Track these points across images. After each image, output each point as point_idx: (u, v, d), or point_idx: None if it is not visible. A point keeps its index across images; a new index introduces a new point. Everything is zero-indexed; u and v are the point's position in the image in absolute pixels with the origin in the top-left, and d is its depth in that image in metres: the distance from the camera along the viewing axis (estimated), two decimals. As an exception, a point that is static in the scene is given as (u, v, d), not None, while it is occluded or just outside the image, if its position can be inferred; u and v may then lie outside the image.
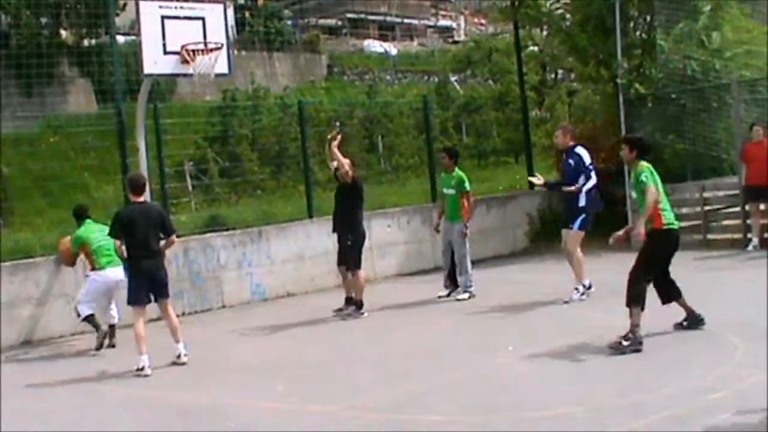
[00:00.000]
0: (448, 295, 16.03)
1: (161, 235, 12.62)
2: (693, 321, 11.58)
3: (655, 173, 11.17)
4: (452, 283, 16.10)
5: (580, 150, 14.75)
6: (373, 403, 9.46)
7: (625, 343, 10.69)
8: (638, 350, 10.60)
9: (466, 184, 15.93)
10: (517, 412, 8.70)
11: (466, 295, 15.73)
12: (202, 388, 11.05)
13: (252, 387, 10.89)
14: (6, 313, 15.08)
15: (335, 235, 15.83)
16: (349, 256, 15.42)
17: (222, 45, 15.97)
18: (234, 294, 17.26)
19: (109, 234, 12.68)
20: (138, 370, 11.95)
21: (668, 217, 11.21)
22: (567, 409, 8.56)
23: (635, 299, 10.92)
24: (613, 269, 13.10)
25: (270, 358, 12.40)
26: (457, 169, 16.00)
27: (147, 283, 12.40)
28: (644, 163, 11.27)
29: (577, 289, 14.58)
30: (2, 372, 12.98)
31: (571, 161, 14.71)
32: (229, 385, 11.09)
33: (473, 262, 16.29)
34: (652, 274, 11.25)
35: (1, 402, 10.81)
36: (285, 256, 18.03)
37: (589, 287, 14.69)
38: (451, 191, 15.90)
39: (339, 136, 15.33)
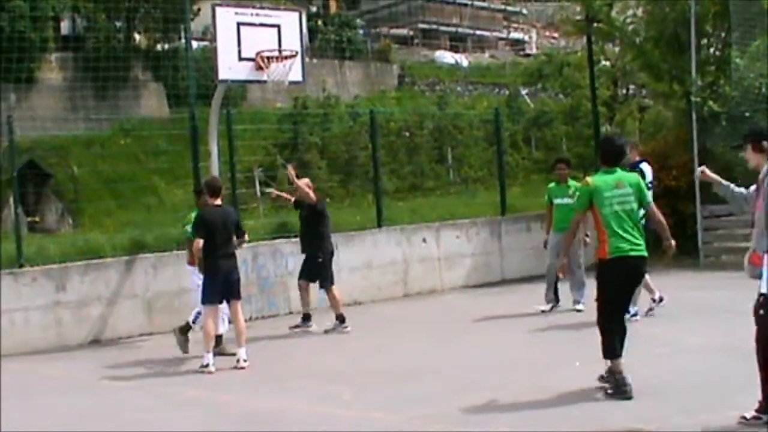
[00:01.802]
0: (551, 309, 15.75)
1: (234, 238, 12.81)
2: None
3: (590, 193, 9.76)
4: (555, 297, 15.93)
5: (645, 166, 14.58)
6: (437, 414, 9.43)
7: (608, 389, 9.75)
8: (625, 396, 9.50)
9: None
10: (581, 426, 8.66)
11: (581, 306, 15.21)
12: (268, 393, 11.12)
13: (317, 393, 10.91)
14: (75, 312, 15.30)
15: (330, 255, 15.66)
16: (322, 275, 15.29)
17: (296, 53, 16.05)
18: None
19: (192, 235, 12.81)
20: (202, 366, 12.13)
21: (614, 245, 9.64)
22: (631, 426, 8.51)
23: (605, 353, 9.81)
24: (683, 286, 12.99)
25: (336, 365, 12.45)
26: (570, 179, 15.72)
27: (221, 284, 12.54)
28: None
29: (652, 301, 14.47)
30: (72, 370, 13.16)
31: None
32: (295, 391, 11.13)
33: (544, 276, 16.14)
34: (609, 316, 9.81)
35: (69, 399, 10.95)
36: (353, 265, 18.06)
37: (660, 300, 14.56)
38: (567, 200, 15.16)
39: (294, 170, 15.52)
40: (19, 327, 14.79)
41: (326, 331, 15.10)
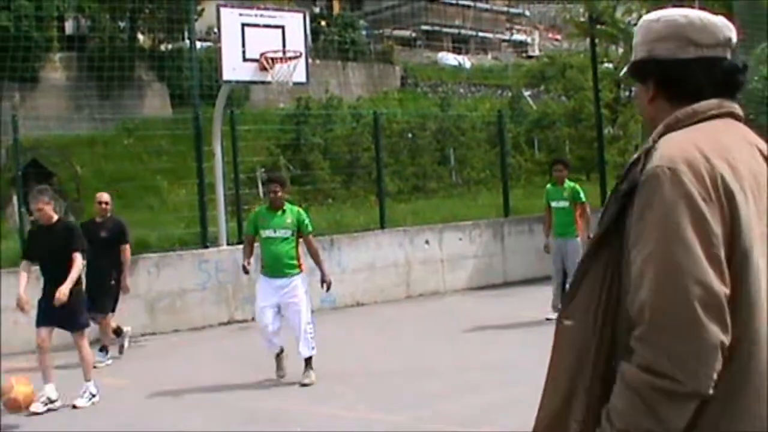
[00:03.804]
0: None
1: None
2: None
3: None
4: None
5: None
6: (439, 415, 9.47)
7: None
8: None
9: (581, 195, 15.31)
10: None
11: None
12: (269, 393, 11.17)
13: (319, 394, 10.96)
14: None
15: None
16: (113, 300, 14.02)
17: (301, 53, 16.10)
18: (304, 301, 17.32)
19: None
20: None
21: None
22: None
23: None
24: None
25: (338, 366, 12.43)
26: (567, 180, 15.50)
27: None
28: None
29: None
30: (75, 369, 13.17)
31: None
32: (296, 391, 11.18)
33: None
34: None
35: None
36: (356, 266, 18.09)
37: None
38: (563, 204, 15.20)
39: None
40: (23, 326, 14.75)
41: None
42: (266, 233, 11.70)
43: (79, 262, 10.94)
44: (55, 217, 11.23)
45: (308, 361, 11.70)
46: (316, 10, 51.45)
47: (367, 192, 26.21)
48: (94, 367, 12.35)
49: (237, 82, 16.83)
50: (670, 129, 2.73)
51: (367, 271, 18.25)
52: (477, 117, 33.98)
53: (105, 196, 14.11)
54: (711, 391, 2.41)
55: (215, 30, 33.68)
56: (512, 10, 68.45)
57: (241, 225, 17.71)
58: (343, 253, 17.91)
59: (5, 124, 34.84)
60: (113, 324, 13.90)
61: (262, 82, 16.79)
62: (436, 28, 61.12)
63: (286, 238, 11.68)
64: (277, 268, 11.61)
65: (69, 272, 10.74)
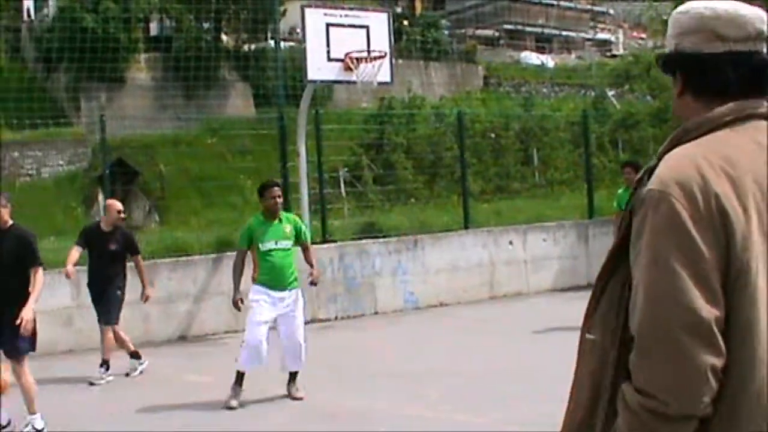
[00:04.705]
0: None
1: None
2: None
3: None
4: None
5: None
6: (523, 418, 9.40)
7: None
8: None
9: None
10: None
11: None
12: (353, 393, 11.15)
13: (403, 393, 10.93)
14: (163, 308, 15.46)
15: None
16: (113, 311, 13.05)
17: (385, 53, 16.09)
18: (387, 301, 17.36)
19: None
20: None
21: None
22: None
23: None
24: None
25: (422, 366, 12.41)
26: None
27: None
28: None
29: None
30: (158, 366, 13.29)
31: None
32: (379, 391, 11.15)
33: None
34: None
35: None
36: (439, 266, 18.05)
37: None
38: None
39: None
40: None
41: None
42: (267, 245, 10.89)
43: (41, 278, 9.58)
44: (10, 222, 9.74)
45: (296, 375, 11.25)
46: (398, 10, 51.41)
47: (449, 192, 26.12)
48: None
49: (322, 81, 16.86)
50: (677, 142, 2.67)
51: (450, 271, 18.19)
52: (560, 117, 33.73)
53: (119, 205, 13.20)
54: (706, 412, 2.42)
55: (298, 30, 33.78)
56: (596, 8, 67.97)
57: (326, 224, 17.77)
58: (427, 253, 17.87)
59: (92, 124, 35.44)
60: (131, 346, 13.06)
61: (347, 82, 16.82)
62: (519, 27, 60.85)
63: (287, 250, 11.03)
64: (279, 281, 10.91)
65: (21, 288, 9.42)
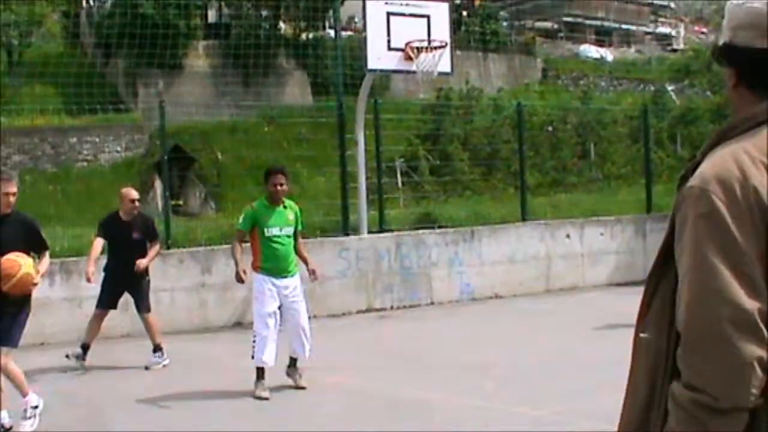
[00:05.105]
0: None
1: None
2: None
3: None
4: None
5: None
6: (581, 410, 9.32)
7: None
8: None
9: None
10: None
11: None
12: (410, 383, 11.12)
13: (459, 384, 10.90)
14: (220, 294, 15.54)
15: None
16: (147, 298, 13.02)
17: (446, 43, 16.03)
18: (443, 291, 17.33)
19: None
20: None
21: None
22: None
23: None
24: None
25: (478, 358, 12.36)
26: None
27: None
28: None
29: None
30: (215, 351, 13.36)
31: None
32: (438, 381, 11.12)
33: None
34: None
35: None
36: (496, 258, 18.00)
37: None
38: None
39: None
40: (165, 307, 15.05)
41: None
42: (271, 231, 10.82)
43: (47, 262, 9.58)
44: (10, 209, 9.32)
45: (296, 362, 11.15)
46: (457, 0, 51.30)
47: (505, 185, 26.05)
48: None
49: (382, 71, 16.84)
50: (722, 138, 2.66)
51: (506, 263, 18.13)
52: (619, 111, 33.53)
53: (134, 193, 12.78)
54: (756, 404, 2.44)
55: (356, 19, 33.70)
56: (657, 2, 67.38)
57: (383, 214, 17.77)
58: (484, 244, 17.82)
59: (150, 111, 35.68)
60: (158, 340, 12.88)
61: (407, 72, 16.76)
62: (579, 20, 60.47)
63: (290, 236, 10.98)
64: (283, 267, 10.86)
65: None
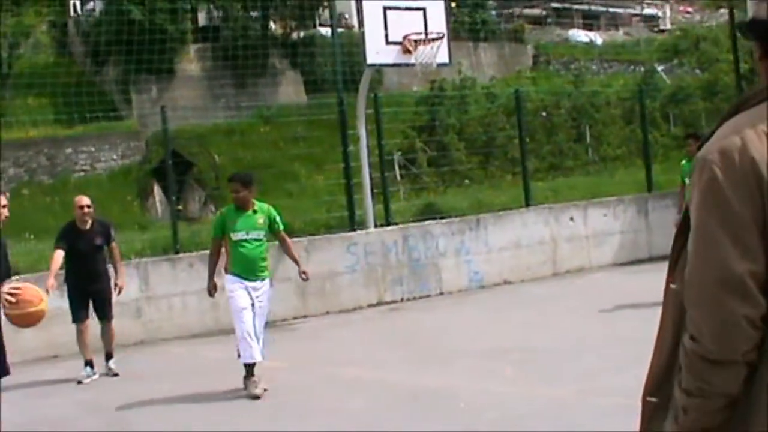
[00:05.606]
0: None
1: None
2: None
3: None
4: None
5: None
6: (601, 388, 9.42)
7: None
8: None
9: None
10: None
11: None
12: (430, 371, 11.22)
13: (479, 370, 10.99)
14: (230, 297, 15.61)
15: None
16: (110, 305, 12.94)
17: (443, 35, 16.13)
18: (452, 281, 17.43)
19: None
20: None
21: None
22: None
23: None
24: None
25: (493, 343, 12.44)
26: None
27: None
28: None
29: None
30: (230, 353, 13.42)
31: None
32: (457, 369, 11.21)
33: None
34: None
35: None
36: (502, 244, 18.09)
37: None
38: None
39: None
40: (177, 311, 15.16)
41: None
42: (238, 236, 10.86)
43: None
44: None
45: (253, 367, 10.94)
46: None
47: (503, 172, 26.18)
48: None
49: (381, 65, 16.94)
50: (738, 109, 2.77)
51: (513, 249, 18.22)
52: (611, 93, 33.67)
53: (85, 200, 12.70)
54: (749, 358, 2.60)
55: (346, 16, 33.76)
56: (641, -17, 67.41)
57: (388, 208, 17.88)
58: (489, 232, 17.92)
59: (144, 117, 35.72)
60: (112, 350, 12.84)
61: (406, 65, 16.86)
62: (566, 5, 60.41)
63: (259, 240, 10.98)
64: (251, 270, 10.86)
65: None
